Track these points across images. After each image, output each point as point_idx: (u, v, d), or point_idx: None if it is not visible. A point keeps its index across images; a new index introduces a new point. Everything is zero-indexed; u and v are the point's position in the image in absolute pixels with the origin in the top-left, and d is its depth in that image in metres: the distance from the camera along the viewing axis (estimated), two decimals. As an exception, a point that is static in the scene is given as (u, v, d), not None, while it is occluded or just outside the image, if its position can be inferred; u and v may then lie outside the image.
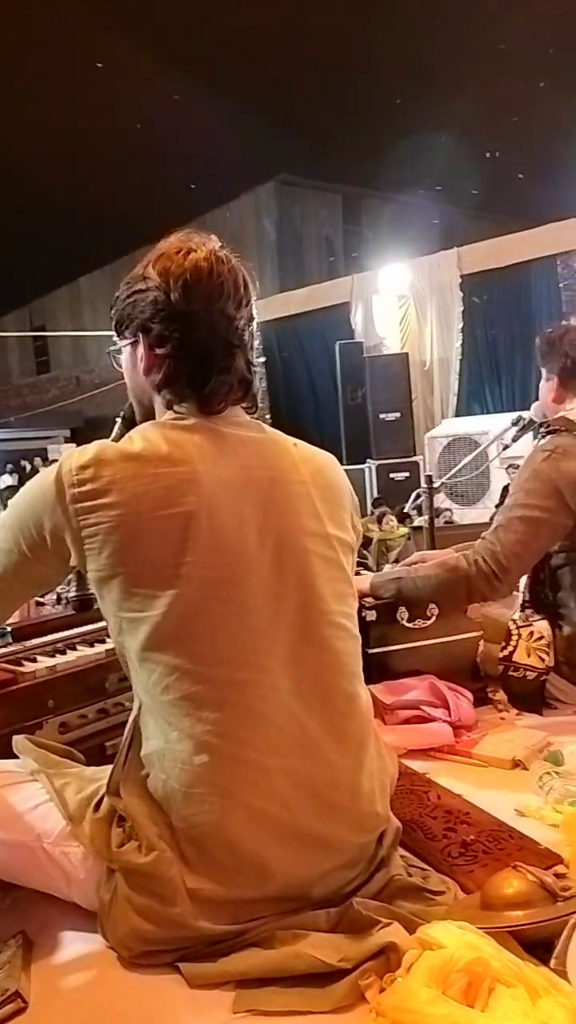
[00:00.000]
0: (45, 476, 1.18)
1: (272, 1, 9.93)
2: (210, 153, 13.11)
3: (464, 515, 7.29)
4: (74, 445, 19.83)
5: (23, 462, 17.12)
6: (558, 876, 1.16)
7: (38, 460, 17.28)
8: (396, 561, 5.00)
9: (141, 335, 1.24)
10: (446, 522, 6.21)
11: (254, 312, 1.29)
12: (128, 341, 1.28)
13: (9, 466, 16.92)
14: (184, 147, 12.72)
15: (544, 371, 2.26)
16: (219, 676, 1.13)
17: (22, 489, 1.24)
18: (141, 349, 1.25)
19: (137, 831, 1.14)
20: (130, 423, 1.37)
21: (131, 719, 1.22)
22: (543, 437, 2.16)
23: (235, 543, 1.16)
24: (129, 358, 1.29)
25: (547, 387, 2.25)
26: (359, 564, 3.92)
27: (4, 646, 1.77)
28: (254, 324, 1.29)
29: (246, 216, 17.66)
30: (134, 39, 10.27)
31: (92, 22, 9.74)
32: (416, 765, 1.74)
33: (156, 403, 1.28)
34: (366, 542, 7.03)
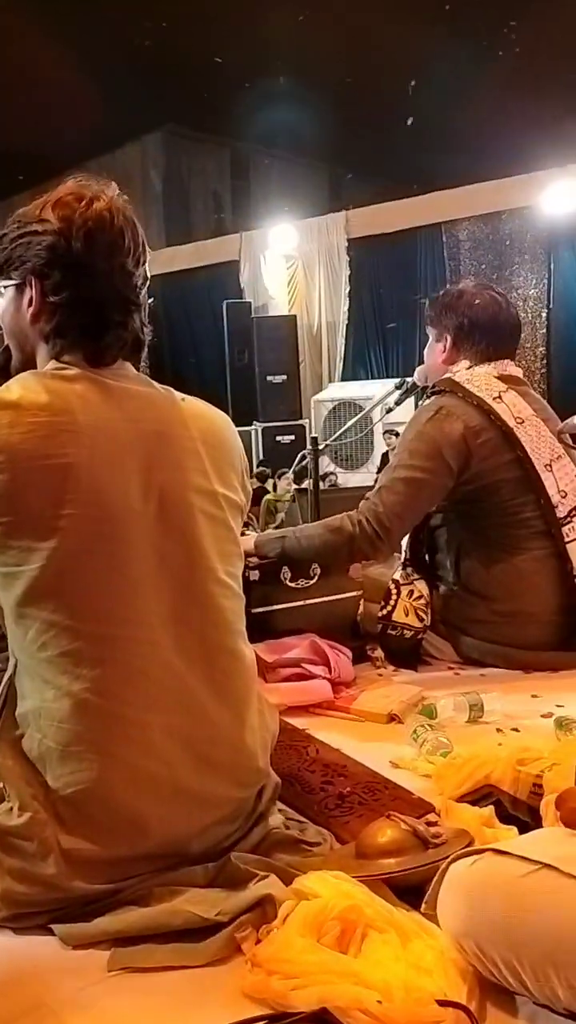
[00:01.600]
0: None
1: None
2: (96, 97, 12.59)
3: (348, 479, 7.42)
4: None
5: None
6: (430, 824, 1.19)
7: None
8: (280, 525, 5.04)
9: (33, 279, 1.18)
10: (330, 485, 6.31)
11: (148, 272, 1.25)
12: (13, 283, 1.21)
13: None
14: (69, 89, 12.17)
15: (433, 333, 2.29)
16: (98, 632, 1.10)
17: None
18: (31, 294, 1.20)
19: (9, 792, 1.11)
20: (2, 371, 1.31)
21: (5, 678, 1.17)
22: (428, 398, 2.20)
23: (116, 497, 1.12)
24: (12, 302, 1.23)
25: (436, 348, 2.27)
26: (244, 525, 3.93)
27: None
28: (146, 284, 1.26)
29: (132, 166, 17.07)
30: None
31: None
32: (296, 721, 1.76)
33: (40, 351, 1.23)
34: (255, 500, 7.07)
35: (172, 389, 1.30)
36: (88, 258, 1.16)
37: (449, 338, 2.23)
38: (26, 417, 1.09)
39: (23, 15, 10.55)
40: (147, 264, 1.24)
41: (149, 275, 1.26)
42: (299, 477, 7.24)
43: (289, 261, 9.61)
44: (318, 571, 2.13)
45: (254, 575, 2.05)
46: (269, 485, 7.54)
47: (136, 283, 1.21)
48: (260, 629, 2.04)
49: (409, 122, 10.87)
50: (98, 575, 1.11)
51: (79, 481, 1.09)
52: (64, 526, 1.08)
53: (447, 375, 2.19)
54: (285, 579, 2.10)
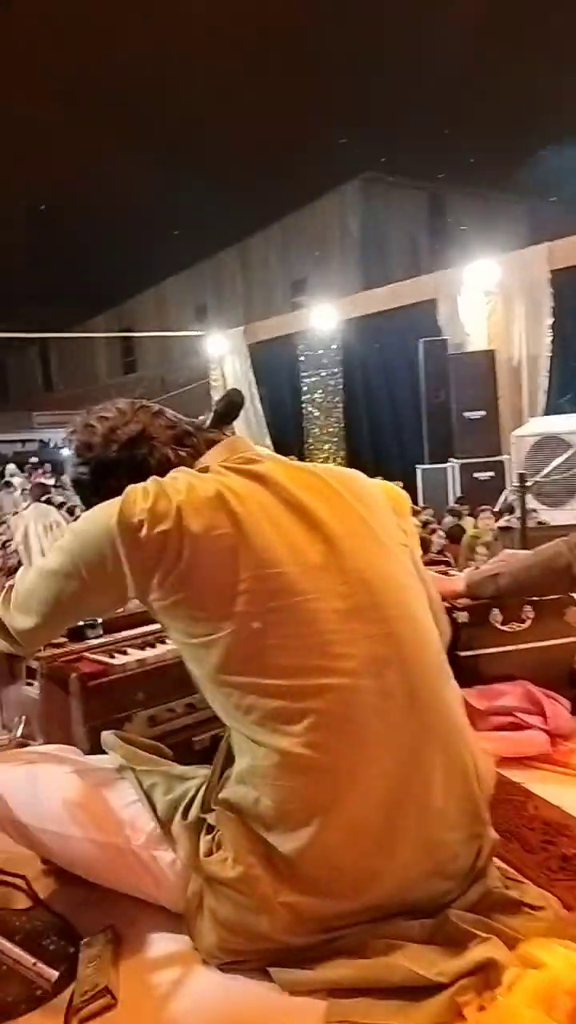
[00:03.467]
0: (108, 507, 1.18)
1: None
2: (293, 152, 13.16)
3: (553, 516, 7.09)
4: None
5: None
6: None
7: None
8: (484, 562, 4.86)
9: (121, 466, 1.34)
10: (537, 523, 6.04)
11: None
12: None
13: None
14: (267, 148, 12.80)
15: None
16: (297, 687, 1.10)
17: (85, 516, 1.24)
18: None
19: (225, 843, 1.12)
20: None
21: (224, 739, 1.22)
22: None
23: (284, 555, 1.14)
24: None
25: None
26: (443, 563, 3.84)
27: (95, 637, 1.79)
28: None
29: (330, 214, 17.63)
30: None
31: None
32: (511, 774, 1.67)
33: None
34: (453, 538, 6.93)
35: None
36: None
37: None
38: (198, 495, 1.15)
39: (225, 73, 11.21)
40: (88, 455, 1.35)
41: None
42: (499, 514, 7.02)
43: (487, 297, 9.45)
44: (531, 614, 2.03)
45: (462, 617, 1.98)
46: (467, 523, 7.37)
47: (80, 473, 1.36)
48: (468, 674, 1.96)
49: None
50: (286, 632, 1.12)
51: (248, 548, 1.12)
52: (244, 590, 1.11)
53: None
54: (495, 622, 2.02)
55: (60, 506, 8.87)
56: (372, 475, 1.47)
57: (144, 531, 1.12)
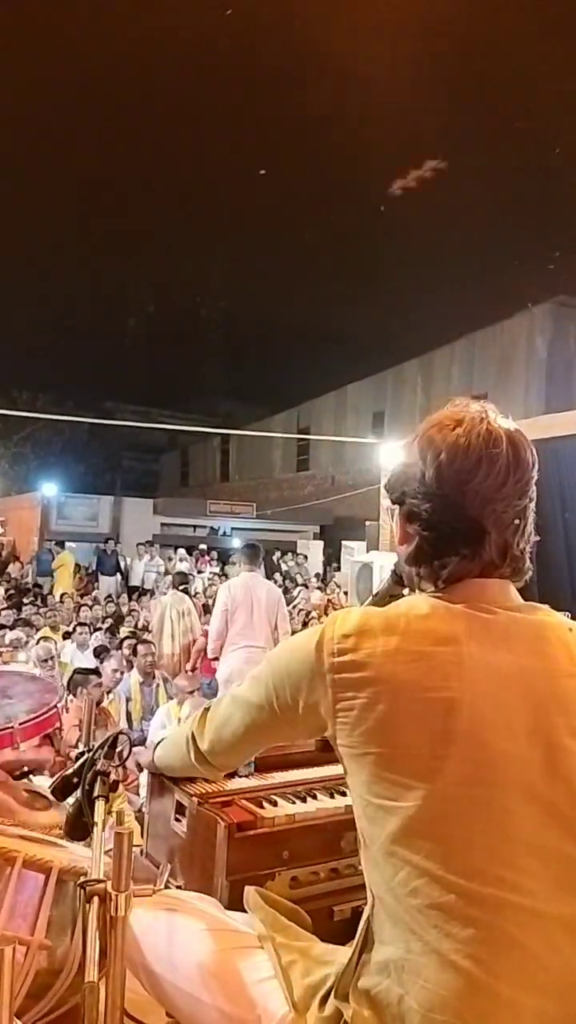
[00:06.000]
0: (307, 639, 1.15)
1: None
2: (485, 272, 13.39)
3: None
4: (322, 543, 20.57)
5: (276, 553, 17.84)
6: None
7: (277, 553, 17.92)
8: None
9: (397, 506, 1.21)
10: None
11: (530, 488, 1.17)
12: (396, 509, 1.24)
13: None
14: (459, 267, 13.09)
15: None
16: (471, 889, 1.01)
17: (282, 645, 1.24)
18: (399, 520, 1.22)
19: None
20: (400, 579, 1.34)
21: (364, 916, 1.12)
22: None
23: (500, 740, 1.05)
24: (395, 525, 1.26)
25: None
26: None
27: (247, 775, 1.77)
28: (527, 498, 1.17)
29: (518, 334, 17.66)
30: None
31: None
32: None
33: (408, 576, 1.24)
34: None
35: (557, 615, 1.20)
36: (436, 488, 1.14)
37: None
38: (411, 644, 1.07)
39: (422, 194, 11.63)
40: (525, 480, 1.16)
41: (532, 493, 1.18)
42: None
43: None
44: None
45: None
46: None
47: (496, 507, 1.13)
48: None
49: None
50: (475, 825, 1.03)
51: (461, 719, 1.03)
52: (443, 767, 1.03)
53: None
54: None
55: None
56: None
57: (339, 670, 1.09)
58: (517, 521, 1.15)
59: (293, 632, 8.09)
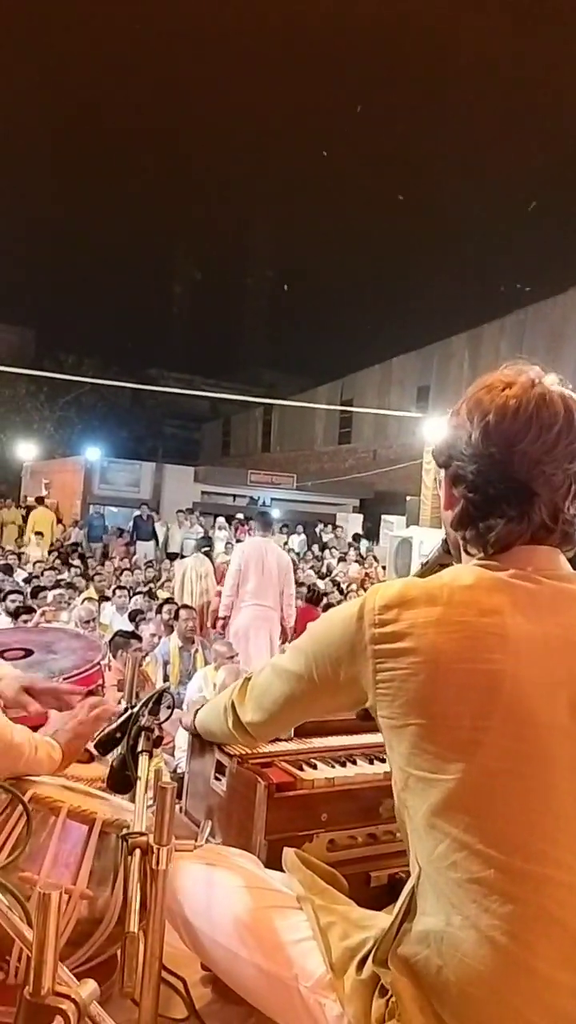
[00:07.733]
0: (348, 610, 1.15)
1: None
2: (540, 246, 13.10)
3: None
4: (361, 516, 20.52)
5: (319, 526, 17.83)
6: None
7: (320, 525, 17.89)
8: None
9: (444, 470, 1.19)
10: None
11: None
12: (442, 473, 1.22)
13: (299, 527, 17.74)
14: (514, 240, 12.81)
15: None
16: (511, 864, 1.00)
17: (323, 617, 1.23)
18: (444, 484, 1.20)
19: (401, 1012, 1.04)
20: (447, 550, 1.32)
21: (408, 886, 1.12)
22: None
23: (542, 713, 1.03)
24: (442, 490, 1.23)
25: None
26: None
27: (285, 739, 1.78)
28: None
29: (570, 310, 17.28)
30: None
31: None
32: None
33: (453, 541, 1.22)
34: None
35: None
36: (484, 448, 1.11)
37: None
38: (453, 615, 1.05)
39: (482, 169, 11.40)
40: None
41: None
42: None
43: None
44: None
45: None
46: None
47: (544, 469, 1.09)
48: None
49: None
50: (516, 799, 1.01)
51: (503, 692, 1.02)
52: (485, 740, 1.01)
53: None
54: None
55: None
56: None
57: (379, 641, 1.08)
58: (570, 484, 1.12)
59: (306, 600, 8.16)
